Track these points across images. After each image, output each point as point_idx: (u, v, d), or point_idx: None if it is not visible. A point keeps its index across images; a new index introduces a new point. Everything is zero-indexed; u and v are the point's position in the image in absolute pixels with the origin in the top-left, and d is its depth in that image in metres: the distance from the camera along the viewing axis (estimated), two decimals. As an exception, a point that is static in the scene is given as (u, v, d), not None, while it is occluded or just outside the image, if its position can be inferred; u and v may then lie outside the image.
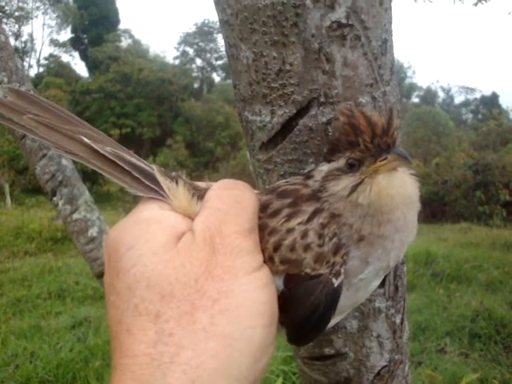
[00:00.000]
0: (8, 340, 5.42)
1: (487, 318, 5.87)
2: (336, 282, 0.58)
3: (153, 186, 0.60)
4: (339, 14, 0.66)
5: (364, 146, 0.58)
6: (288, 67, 0.69)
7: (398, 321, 0.95)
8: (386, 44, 0.73)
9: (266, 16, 0.67)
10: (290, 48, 0.68)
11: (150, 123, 36.64)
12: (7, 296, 7.49)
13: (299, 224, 0.59)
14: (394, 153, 0.57)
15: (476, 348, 5.36)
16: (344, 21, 0.67)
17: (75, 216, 2.98)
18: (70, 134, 0.59)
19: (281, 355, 4.22)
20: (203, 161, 36.26)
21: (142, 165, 0.61)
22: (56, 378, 4.55)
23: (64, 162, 3.00)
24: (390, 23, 0.75)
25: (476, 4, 7.84)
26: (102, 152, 0.59)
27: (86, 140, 0.59)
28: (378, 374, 0.97)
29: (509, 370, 4.79)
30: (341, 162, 0.61)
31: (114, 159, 0.59)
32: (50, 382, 4.52)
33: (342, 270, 0.58)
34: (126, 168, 0.60)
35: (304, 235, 0.58)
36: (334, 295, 0.58)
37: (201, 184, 0.66)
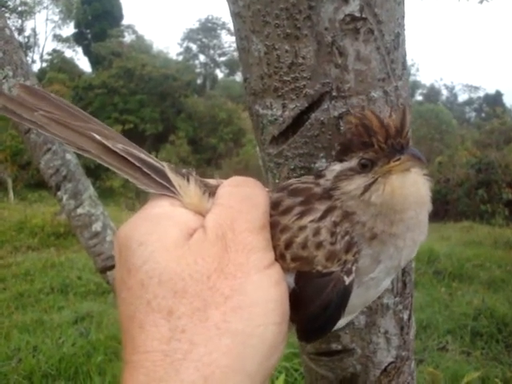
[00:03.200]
0: (11, 334, 5.45)
1: (489, 317, 5.87)
2: (347, 280, 0.58)
3: (164, 183, 0.60)
4: (353, 7, 0.66)
5: (378, 146, 0.58)
6: (300, 60, 0.69)
7: (405, 317, 0.95)
8: (398, 38, 0.73)
9: (279, 8, 0.67)
10: (303, 41, 0.68)
11: (152, 119, 36.63)
12: (10, 290, 7.53)
13: (311, 222, 0.59)
14: (407, 153, 0.57)
15: (478, 346, 5.36)
16: (357, 14, 0.66)
17: (79, 211, 2.98)
18: (81, 131, 0.59)
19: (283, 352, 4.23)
20: (206, 157, 36.24)
21: (153, 161, 0.61)
22: (58, 372, 4.58)
23: (68, 156, 3.00)
24: (403, 17, 0.75)
25: (481, 2, 7.82)
26: (113, 149, 0.59)
27: (97, 137, 0.59)
28: (385, 370, 0.96)
29: (510, 369, 4.79)
30: (353, 162, 0.61)
31: (125, 155, 0.59)
32: (52, 376, 4.55)
33: (354, 268, 0.58)
34: (137, 164, 0.59)
35: (316, 233, 0.58)
36: (345, 293, 0.58)
37: (211, 181, 0.66)
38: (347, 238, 0.58)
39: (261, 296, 0.51)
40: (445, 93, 67.39)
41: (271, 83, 0.73)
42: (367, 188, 0.59)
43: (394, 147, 0.58)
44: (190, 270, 0.50)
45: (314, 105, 0.72)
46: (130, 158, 0.59)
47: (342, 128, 0.72)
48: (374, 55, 0.70)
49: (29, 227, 11.79)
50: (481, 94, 64.46)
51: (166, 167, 0.61)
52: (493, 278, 7.77)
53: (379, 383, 0.97)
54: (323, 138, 0.73)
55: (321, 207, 0.60)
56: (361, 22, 0.67)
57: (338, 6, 0.66)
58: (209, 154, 36.62)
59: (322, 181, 0.63)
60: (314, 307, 0.57)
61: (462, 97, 67.12)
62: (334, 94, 0.70)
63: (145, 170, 0.60)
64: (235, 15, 0.74)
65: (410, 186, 0.59)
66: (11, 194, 20.17)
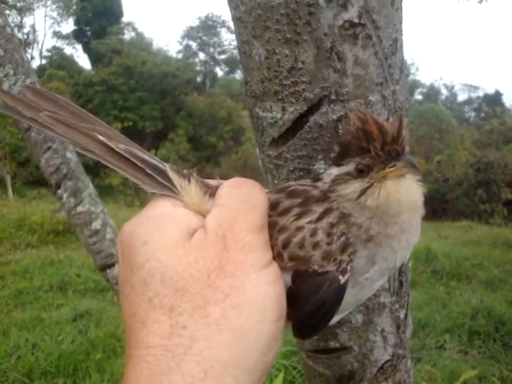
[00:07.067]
0: (10, 331, 5.44)
1: (487, 316, 5.88)
2: (342, 280, 0.60)
3: (166, 183, 0.61)
4: (352, 13, 0.67)
5: (375, 152, 0.60)
6: (300, 65, 0.70)
7: (402, 316, 0.97)
8: (396, 43, 0.74)
9: (280, 14, 0.68)
10: (303, 46, 0.69)
11: (152, 117, 36.56)
12: (9, 288, 7.50)
13: (309, 223, 0.60)
14: (402, 160, 0.60)
15: (475, 345, 5.37)
16: (356, 20, 0.68)
17: (79, 209, 2.99)
18: (86, 132, 0.60)
19: (281, 350, 4.24)
20: (205, 155, 36.20)
21: (155, 162, 0.62)
22: (58, 370, 4.58)
23: (68, 154, 3.00)
24: (401, 23, 0.76)
25: (480, 1, 7.82)
26: (117, 150, 0.60)
27: (101, 138, 0.60)
28: (382, 367, 0.98)
29: (507, 368, 4.81)
30: (350, 167, 0.63)
31: (129, 156, 0.60)
32: (51, 373, 4.55)
33: (349, 268, 0.60)
34: (140, 165, 0.61)
35: (313, 233, 0.59)
36: (340, 292, 0.60)
37: (211, 182, 0.67)
38: (343, 238, 0.60)
39: (259, 294, 0.53)
40: (444, 92, 67.46)
41: (271, 87, 0.74)
42: (363, 192, 0.61)
43: (390, 154, 0.60)
44: (191, 269, 0.51)
45: (313, 108, 0.73)
46: (133, 159, 0.61)
47: (340, 131, 0.74)
48: (372, 60, 0.71)
49: (28, 224, 11.75)
50: (480, 93, 64.52)
51: (167, 168, 0.62)
52: (491, 277, 7.79)
53: (376, 381, 0.99)
54: (322, 140, 0.75)
55: (318, 209, 0.61)
56: (359, 28, 0.69)
57: (337, 12, 0.67)
58: (208, 152, 36.58)
59: (319, 184, 0.65)
60: (309, 305, 0.59)
61: (462, 96, 67.23)
62: (333, 97, 0.72)
63: (147, 170, 0.61)
64: (237, 20, 0.75)
65: (404, 191, 0.61)
66: (10, 192, 20.14)
